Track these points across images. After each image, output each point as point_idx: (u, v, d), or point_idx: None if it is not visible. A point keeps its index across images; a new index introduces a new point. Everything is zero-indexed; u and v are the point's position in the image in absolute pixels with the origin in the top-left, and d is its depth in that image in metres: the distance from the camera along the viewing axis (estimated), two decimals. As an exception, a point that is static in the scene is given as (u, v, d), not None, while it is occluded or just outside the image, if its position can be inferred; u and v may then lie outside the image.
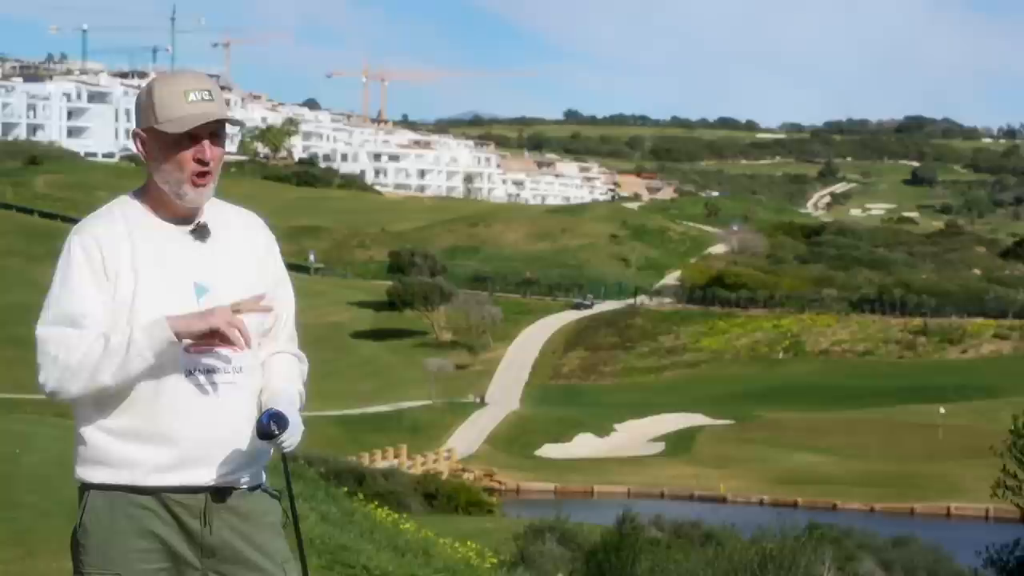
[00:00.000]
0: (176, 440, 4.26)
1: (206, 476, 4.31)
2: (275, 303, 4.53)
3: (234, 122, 4.37)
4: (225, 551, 4.34)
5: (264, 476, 4.52)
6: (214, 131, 4.30)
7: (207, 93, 4.27)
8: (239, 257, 4.43)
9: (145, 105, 4.29)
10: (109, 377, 4.15)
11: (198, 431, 4.27)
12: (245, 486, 4.41)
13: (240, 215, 4.54)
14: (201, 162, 4.28)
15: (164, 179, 4.30)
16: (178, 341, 4.16)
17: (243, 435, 4.36)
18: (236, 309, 4.21)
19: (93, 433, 4.28)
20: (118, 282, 4.23)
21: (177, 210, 4.35)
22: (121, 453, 4.26)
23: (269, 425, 4.22)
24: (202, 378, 4.27)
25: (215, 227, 4.40)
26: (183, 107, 4.23)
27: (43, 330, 4.21)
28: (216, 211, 4.45)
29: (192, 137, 4.27)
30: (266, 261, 4.52)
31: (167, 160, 4.28)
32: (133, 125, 4.43)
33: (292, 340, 4.62)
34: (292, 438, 4.28)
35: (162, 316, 4.15)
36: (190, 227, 4.37)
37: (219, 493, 4.34)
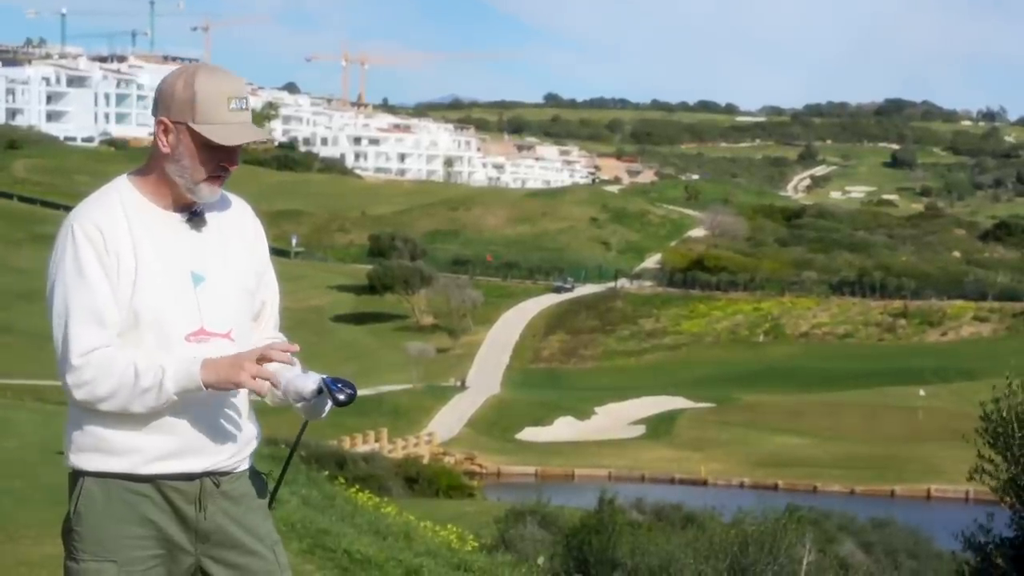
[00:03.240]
0: (175, 428, 4.27)
1: (203, 463, 4.33)
2: (263, 289, 4.56)
3: (265, 142, 4.38)
4: (218, 535, 4.37)
5: (252, 460, 4.55)
6: None
7: (245, 102, 4.27)
8: (232, 244, 4.43)
9: (183, 99, 4.23)
10: (141, 409, 4.18)
11: (197, 419, 4.29)
12: (238, 471, 4.45)
13: (230, 201, 4.53)
14: (226, 169, 4.31)
15: (180, 173, 4.28)
16: (205, 390, 4.18)
17: (237, 421, 4.41)
18: (264, 357, 4.17)
19: (91, 421, 4.27)
20: (120, 269, 4.21)
21: (180, 198, 4.33)
22: (120, 441, 4.26)
23: (341, 392, 4.22)
24: None
25: (208, 214, 4.39)
26: (225, 115, 4.22)
27: (78, 330, 4.17)
28: (215, 199, 4.44)
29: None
30: (255, 247, 4.53)
31: (191, 158, 4.26)
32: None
33: (276, 327, 4.64)
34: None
35: (196, 366, 4.13)
36: (186, 215, 4.36)
37: (214, 478, 4.37)
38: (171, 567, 4.35)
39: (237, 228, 4.49)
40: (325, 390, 4.24)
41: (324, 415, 4.36)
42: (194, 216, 4.36)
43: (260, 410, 4.57)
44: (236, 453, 4.42)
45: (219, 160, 4.27)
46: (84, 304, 4.18)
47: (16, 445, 14.66)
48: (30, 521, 9.90)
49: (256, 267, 4.51)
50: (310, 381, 4.28)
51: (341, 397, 4.20)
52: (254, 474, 4.55)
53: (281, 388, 4.33)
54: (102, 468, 4.28)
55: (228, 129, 4.23)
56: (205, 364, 4.14)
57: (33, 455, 12.58)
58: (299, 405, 4.33)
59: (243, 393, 4.42)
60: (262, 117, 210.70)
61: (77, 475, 4.34)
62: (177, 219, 4.34)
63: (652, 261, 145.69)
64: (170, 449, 4.27)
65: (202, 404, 4.29)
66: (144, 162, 4.40)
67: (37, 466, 11.54)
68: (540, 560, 18.95)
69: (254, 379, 4.14)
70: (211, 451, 4.34)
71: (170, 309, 4.22)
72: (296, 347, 4.26)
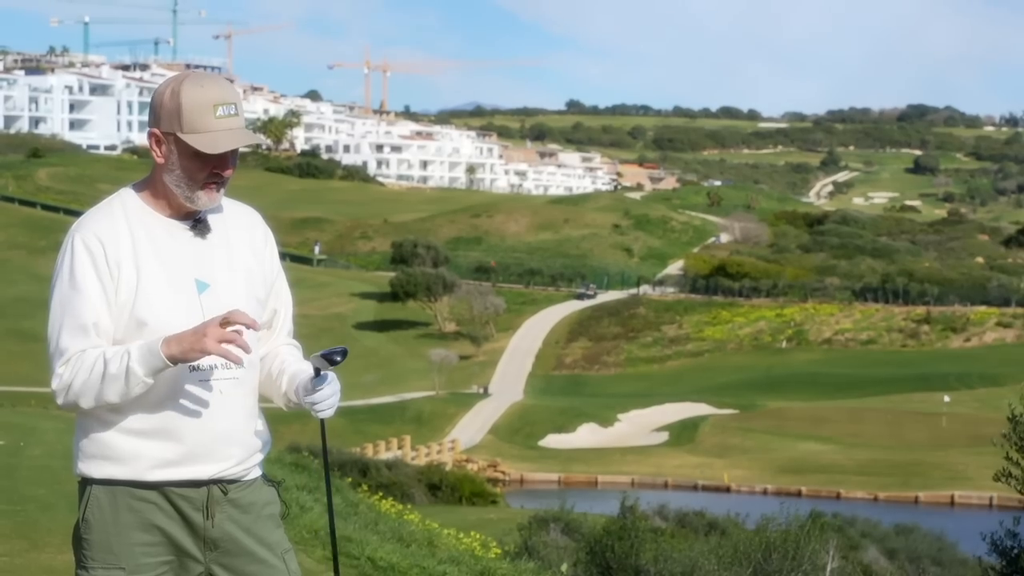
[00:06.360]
0: (181, 435, 4.27)
1: (209, 470, 4.33)
2: (274, 297, 4.56)
3: (256, 145, 4.34)
4: (227, 543, 4.38)
5: (262, 468, 4.55)
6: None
7: (233, 108, 4.25)
8: (239, 252, 4.43)
9: (170, 109, 4.24)
10: (115, 397, 4.17)
11: (203, 426, 4.29)
12: (246, 478, 4.44)
13: (238, 209, 4.53)
14: (220, 176, 4.30)
15: (176, 183, 4.29)
16: (173, 366, 4.14)
17: (245, 429, 4.41)
18: (227, 321, 4.13)
19: (97, 428, 4.29)
20: (120, 278, 4.23)
21: (181, 207, 4.33)
22: (125, 448, 4.27)
23: (332, 355, 4.29)
24: (206, 374, 4.28)
25: (214, 222, 4.40)
26: (211, 122, 4.21)
27: (66, 341, 4.20)
28: (215, 206, 4.44)
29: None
30: (264, 255, 4.53)
31: (183, 168, 4.27)
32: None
33: (289, 334, 4.65)
34: (333, 397, 4.37)
35: (157, 343, 4.10)
36: (190, 223, 4.36)
37: (221, 486, 4.37)
38: (181, 574, 4.36)
39: (245, 236, 4.49)
40: (321, 362, 4.31)
41: (330, 407, 4.39)
42: (198, 224, 4.36)
43: (284, 418, 4.57)
44: (244, 461, 4.42)
45: (211, 167, 4.27)
46: (75, 316, 4.20)
47: (41, 453, 14.71)
48: (54, 528, 9.92)
49: (266, 275, 4.52)
50: (310, 368, 4.36)
51: (337, 358, 4.29)
52: (265, 482, 4.54)
53: (292, 388, 4.43)
54: (108, 475, 4.30)
55: (215, 137, 4.22)
56: (168, 339, 4.11)
57: (57, 463, 12.62)
58: (308, 401, 4.38)
59: (252, 400, 4.44)
60: (285, 124, 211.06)
61: (85, 483, 4.37)
62: (181, 227, 4.35)
63: (675, 267, 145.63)
64: (175, 456, 4.28)
65: (210, 411, 4.29)
66: (148, 173, 4.41)
67: (61, 473, 11.56)
68: (563, 567, 18.93)
69: (220, 344, 4.09)
70: (217, 458, 4.34)
71: (172, 316, 4.22)
72: (255, 321, 4.22)
